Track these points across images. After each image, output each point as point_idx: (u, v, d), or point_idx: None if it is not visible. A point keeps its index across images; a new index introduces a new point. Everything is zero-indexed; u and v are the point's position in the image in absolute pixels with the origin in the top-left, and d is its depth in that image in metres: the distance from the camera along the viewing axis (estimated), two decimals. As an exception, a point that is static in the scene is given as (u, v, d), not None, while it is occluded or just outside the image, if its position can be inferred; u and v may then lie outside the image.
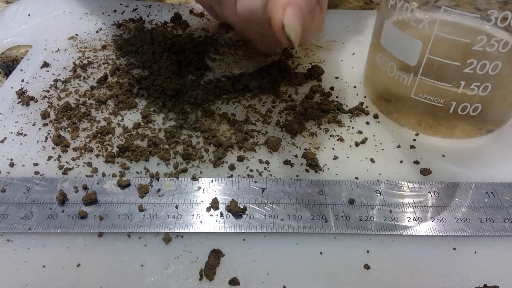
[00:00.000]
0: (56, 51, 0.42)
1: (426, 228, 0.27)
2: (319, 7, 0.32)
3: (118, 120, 0.34)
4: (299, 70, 0.40)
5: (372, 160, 0.32)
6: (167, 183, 0.30)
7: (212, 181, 0.30)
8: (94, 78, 0.38)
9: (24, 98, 0.36)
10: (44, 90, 0.37)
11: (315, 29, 0.33)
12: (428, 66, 0.30)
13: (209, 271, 0.25)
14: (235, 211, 0.28)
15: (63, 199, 0.28)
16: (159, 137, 0.33)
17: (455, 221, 0.28)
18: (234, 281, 0.24)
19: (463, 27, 0.31)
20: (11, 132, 0.33)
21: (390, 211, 0.28)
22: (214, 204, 0.28)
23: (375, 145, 0.33)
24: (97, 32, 0.45)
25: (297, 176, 0.31)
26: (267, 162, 0.31)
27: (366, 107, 0.36)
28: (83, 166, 0.31)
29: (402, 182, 0.30)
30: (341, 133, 0.34)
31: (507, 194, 0.29)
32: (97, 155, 0.31)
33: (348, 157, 0.32)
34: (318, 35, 0.44)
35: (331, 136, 0.34)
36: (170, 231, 0.27)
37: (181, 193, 0.29)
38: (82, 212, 0.27)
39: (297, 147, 0.33)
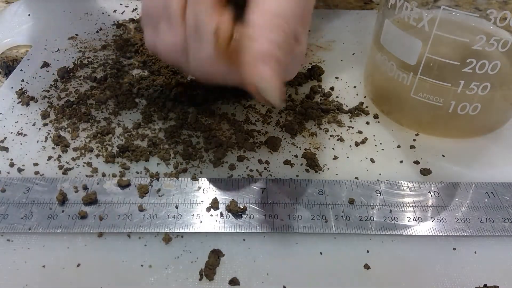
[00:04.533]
0: (56, 51, 0.42)
1: (426, 228, 0.27)
2: (296, 43, 0.26)
3: (118, 120, 0.34)
4: (299, 70, 0.40)
5: (372, 160, 0.32)
6: (167, 183, 0.30)
7: (212, 181, 0.30)
8: (94, 78, 0.38)
9: (24, 98, 0.36)
10: (44, 90, 0.37)
11: (297, 66, 0.29)
12: (427, 65, 0.30)
13: (209, 271, 0.25)
14: (235, 211, 0.28)
15: (63, 199, 0.28)
16: (159, 137, 0.33)
17: (455, 221, 0.28)
18: (234, 281, 0.24)
19: (463, 26, 0.31)
20: (11, 132, 0.33)
21: (390, 211, 0.28)
22: (214, 204, 0.28)
23: (375, 145, 0.33)
24: (97, 32, 0.45)
25: (297, 176, 0.31)
26: (267, 162, 0.31)
27: (366, 107, 0.36)
28: (83, 166, 0.31)
29: (402, 182, 0.30)
30: (341, 133, 0.34)
31: (507, 194, 0.29)
32: (97, 155, 0.31)
33: (348, 157, 0.32)
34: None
35: (331, 136, 0.34)
36: (170, 231, 0.27)
37: (181, 193, 0.29)
38: (82, 212, 0.27)
39: (297, 147, 0.33)
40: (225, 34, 0.25)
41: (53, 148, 0.32)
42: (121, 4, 0.49)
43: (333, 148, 0.33)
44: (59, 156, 0.31)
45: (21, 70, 0.39)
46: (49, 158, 0.31)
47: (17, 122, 0.34)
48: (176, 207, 0.28)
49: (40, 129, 0.34)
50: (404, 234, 0.27)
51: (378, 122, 0.35)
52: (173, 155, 0.32)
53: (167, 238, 0.26)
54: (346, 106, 0.36)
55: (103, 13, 0.48)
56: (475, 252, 0.26)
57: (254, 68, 0.23)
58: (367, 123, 0.35)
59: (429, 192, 0.29)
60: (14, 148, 0.32)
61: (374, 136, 0.34)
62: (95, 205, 0.28)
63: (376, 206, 0.28)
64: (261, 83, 0.23)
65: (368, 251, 0.26)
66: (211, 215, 0.28)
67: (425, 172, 0.31)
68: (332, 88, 0.38)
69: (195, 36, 0.26)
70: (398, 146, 0.33)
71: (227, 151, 0.32)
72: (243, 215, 0.28)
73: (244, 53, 0.24)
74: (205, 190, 0.29)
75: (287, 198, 0.29)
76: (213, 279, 0.25)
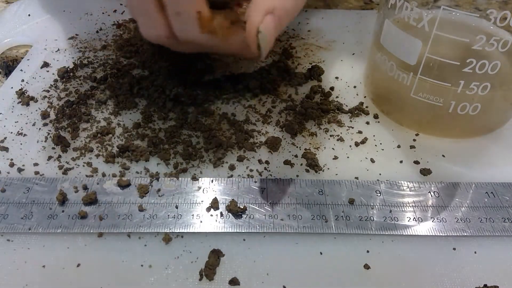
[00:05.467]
0: (56, 51, 0.42)
1: (426, 228, 0.27)
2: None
3: (118, 120, 0.34)
4: (299, 70, 0.40)
5: (372, 160, 0.32)
6: (167, 183, 0.30)
7: (212, 181, 0.30)
8: (94, 78, 0.38)
9: (24, 98, 0.36)
10: (44, 90, 0.37)
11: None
12: (427, 65, 0.30)
13: (209, 271, 0.25)
14: (235, 211, 0.28)
15: (63, 199, 0.28)
16: (159, 137, 0.33)
17: (455, 221, 0.28)
18: (234, 281, 0.24)
19: (463, 26, 0.31)
20: (11, 132, 0.33)
21: (390, 211, 0.28)
22: (214, 204, 0.28)
23: (375, 145, 0.33)
24: (97, 32, 0.45)
25: (297, 176, 0.31)
26: (267, 162, 0.31)
27: (366, 107, 0.36)
28: (83, 166, 0.31)
29: (402, 182, 0.30)
30: (341, 133, 0.34)
31: (507, 194, 0.29)
32: (97, 155, 0.31)
33: (348, 157, 0.32)
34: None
35: (331, 136, 0.34)
36: (170, 231, 0.27)
37: (181, 193, 0.29)
38: (82, 212, 0.27)
39: (297, 147, 0.33)
40: (206, 14, 0.28)
41: (53, 148, 0.32)
42: (121, 4, 0.49)
43: (333, 148, 0.33)
44: (59, 156, 0.31)
45: (21, 70, 0.39)
46: (49, 158, 0.31)
47: (17, 122, 0.34)
48: (176, 207, 0.28)
49: (40, 129, 0.34)
50: (404, 234, 0.27)
51: (378, 122, 0.35)
52: (173, 155, 0.32)
53: (167, 238, 0.26)
54: (346, 106, 0.36)
55: (103, 13, 0.48)
56: (475, 252, 0.26)
57: (259, 17, 0.26)
58: (367, 123, 0.35)
59: (429, 192, 0.29)
60: (14, 148, 0.32)
61: (374, 136, 0.34)
62: (95, 205, 0.28)
63: (376, 206, 0.28)
64: (263, 29, 0.26)
65: (368, 251, 0.26)
66: (211, 215, 0.28)
67: (425, 172, 0.31)
68: (332, 88, 0.38)
69: (179, 23, 0.29)
70: (398, 146, 0.33)
71: (227, 151, 0.32)
72: (243, 215, 0.28)
73: (251, 6, 0.27)
74: (205, 190, 0.29)
75: (287, 198, 0.29)
76: (213, 279, 0.25)
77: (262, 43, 0.26)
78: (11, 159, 0.31)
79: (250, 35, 0.27)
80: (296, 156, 0.32)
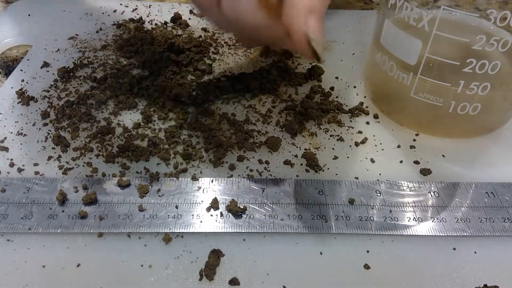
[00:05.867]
0: (56, 51, 0.42)
1: (426, 228, 0.27)
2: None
3: (118, 120, 0.34)
4: (299, 70, 0.40)
5: (372, 160, 0.32)
6: (167, 183, 0.30)
7: (212, 181, 0.30)
8: (94, 78, 0.38)
9: (24, 98, 0.36)
10: (44, 90, 0.37)
11: None
12: (427, 65, 0.30)
13: (209, 271, 0.25)
14: (235, 211, 0.28)
15: (63, 199, 0.28)
16: (159, 137, 0.33)
17: (455, 221, 0.28)
18: (234, 281, 0.24)
19: (463, 26, 0.31)
20: (11, 132, 0.33)
21: (390, 211, 0.28)
22: (214, 204, 0.28)
23: (375, 145, 0.33)
24: (97, 32, 0.45)
25: (297, 176, 0.31)
26: (267, 162, 0.31)
27: (366, 107, 0.36)
28: (83, 166, 0.31)
29: (402, 182, 0.30)
30: (341, 133, 0.34)
31: (507, 194, 0.29)
32: (97, 155, 0.31)
33: (348, 157, 0.32)
34: None
35: (331, 136, 0.34)
36: (170, 231, 0.27)
37: (181, 193, 0.29)
38: (82, 212, 0.27)
39: (297, 147, 0.33)
40: None
41: (53, 148, 0.32)
42: (121, 4, 0.49)
43: (333, 148, 0.33)
44: (59, 156, 0.31)
45: (21, 70, 0.39)
46: (49, 158, 0.31)
47: (17, 122, 0.34)
48: (176, 207, 0.28)
49: (40, 129, 0.34)
50: (404, 234, 0.27)
51: (378, 122, 0.35)
52: (173, 155, 0.32)
53: (167, 238, 0.26)
54: (346, 106, 0.36)
55: (103, 13, 0.48)
56: (475, 252, 0.26)
57: (302, 19, 0.24)
58: (367, 123, 0.35)
59: (429, 192, 0.29)
60: (14, 148, 0.32)
61: (374, 136, 0.34)
62: (95, 205, 0.28)
63: (376, 206, 0.28)
64: (311, 34, 0.24)
65: (368, 251, 0.26)
66: (211, 215, 0.28)
67: (425, 172, 0.31)
68: (332, 88, 0.38)
69: None
70: (398, 146, 0.33)
71: (227, 151, 0.32)
72: (243, 215, 0.28)
73: (289, 5, 0.24)
74: (205, 190, 0.29)
75: (287, 198, 0.29)
76: (213, 279, 0.25)
77: (317, 48, 0.24)
78: (11, 159, 0.31)
79: (300, 44, 0.24)
80: (296, 156, 0.32)
